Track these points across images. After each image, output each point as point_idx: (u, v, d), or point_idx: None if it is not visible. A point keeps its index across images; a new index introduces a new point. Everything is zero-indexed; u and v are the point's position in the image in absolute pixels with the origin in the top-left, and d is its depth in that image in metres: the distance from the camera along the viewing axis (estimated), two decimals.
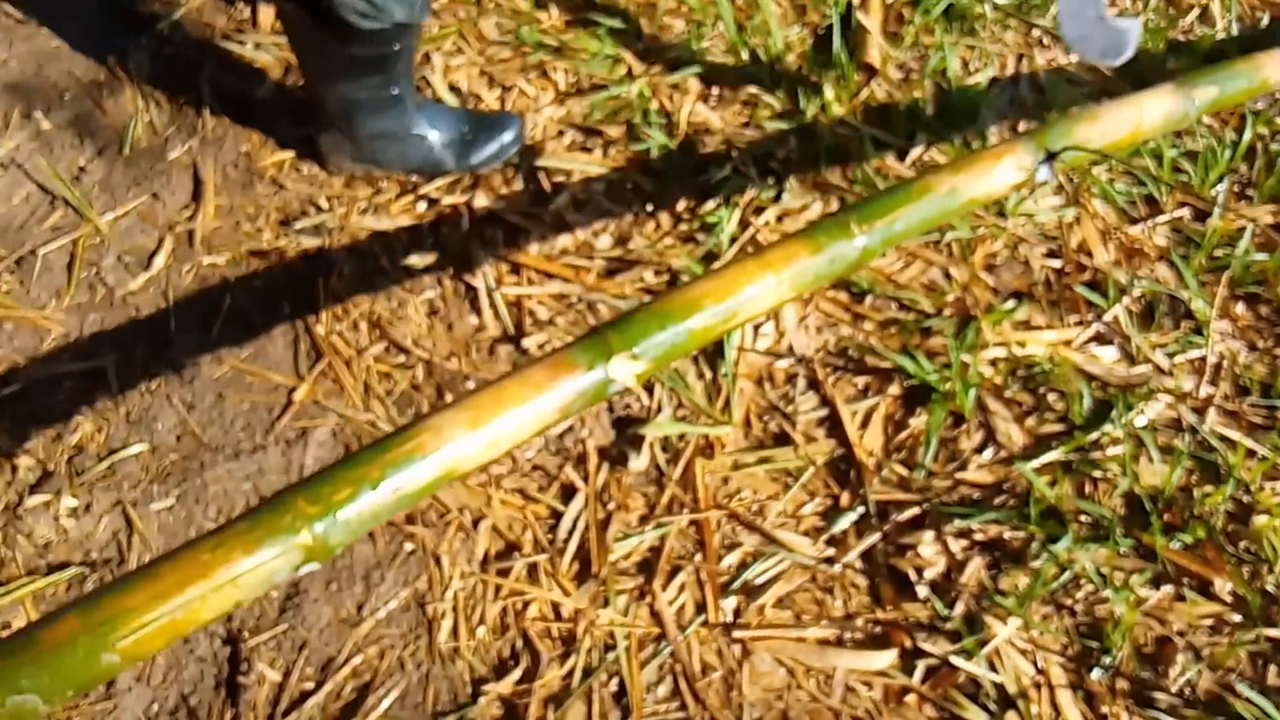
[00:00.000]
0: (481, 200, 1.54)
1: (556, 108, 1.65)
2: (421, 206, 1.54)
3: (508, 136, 1.56)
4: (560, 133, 1.63)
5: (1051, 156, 0.96)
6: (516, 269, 1.48)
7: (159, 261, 1.46)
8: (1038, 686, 1.16)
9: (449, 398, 1.36)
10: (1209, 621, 1.20)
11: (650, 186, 1.56)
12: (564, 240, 1.51)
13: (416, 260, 1.48)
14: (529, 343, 1.40)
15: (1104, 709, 1.15)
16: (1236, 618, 1.20)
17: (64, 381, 1.35)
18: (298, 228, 1.50)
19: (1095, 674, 1.17)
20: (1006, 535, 1.26)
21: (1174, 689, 1.16)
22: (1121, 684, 1.16)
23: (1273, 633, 1.18)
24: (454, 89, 1.67)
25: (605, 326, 0.81)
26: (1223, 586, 1.21)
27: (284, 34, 1.60)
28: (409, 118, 1.49)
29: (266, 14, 1.72)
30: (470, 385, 1.37)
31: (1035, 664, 1.18)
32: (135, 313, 1.41)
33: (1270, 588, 1.21)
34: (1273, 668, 1.17)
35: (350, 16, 1.26)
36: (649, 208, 1.54)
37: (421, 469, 0.72)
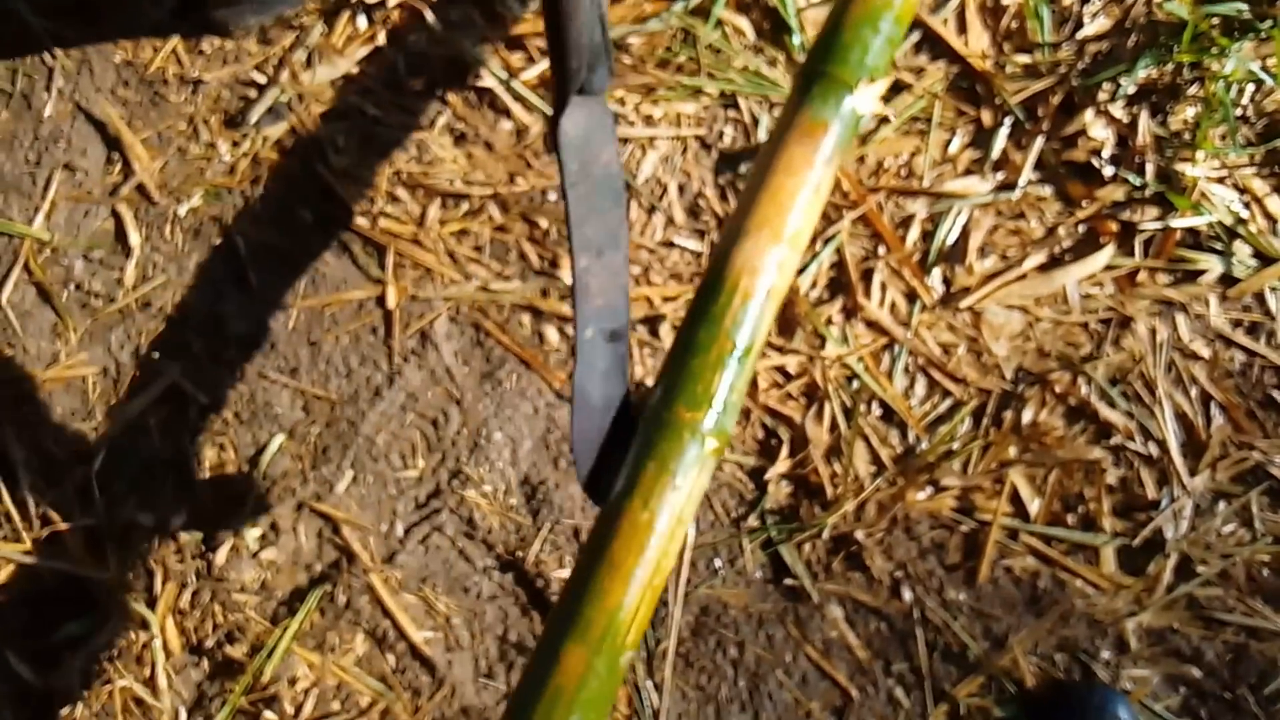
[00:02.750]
0: None
1: None
2: (363, 23, 1.26)
3: None
4: None
5: None
6: (516, 44, 1.25)
7: (134, 240, 1.20)
8: (1246, 206, 1.16)
9: (543, 223, 1.19)
10: None
11: None
12: None
13: (407, 90, 1.24)
14: None
15: None
16: None
17: (147, 420, 1.16)
18: (253, 120, 1.23)
19: None
20: (1155, 75, 1.19)
21: None
22: None
23: None
24: None
25: (818, 62, 0.72)
26: None
27: None
28: None
29: None
30: (551, 198, 1.21)
31: (1236, 186, 1.17)
32: (153, 311, 1.19)
33: None
34: None
35: None
36: None
37: (759, 307, 0.68)
